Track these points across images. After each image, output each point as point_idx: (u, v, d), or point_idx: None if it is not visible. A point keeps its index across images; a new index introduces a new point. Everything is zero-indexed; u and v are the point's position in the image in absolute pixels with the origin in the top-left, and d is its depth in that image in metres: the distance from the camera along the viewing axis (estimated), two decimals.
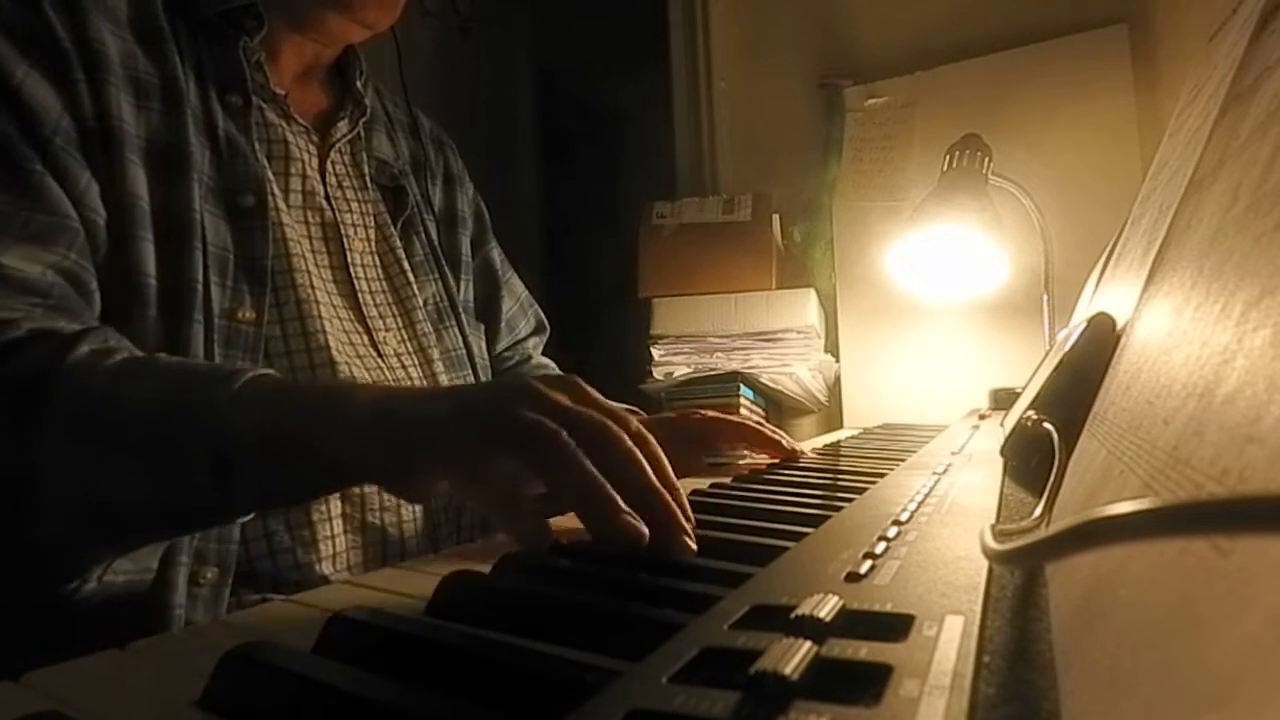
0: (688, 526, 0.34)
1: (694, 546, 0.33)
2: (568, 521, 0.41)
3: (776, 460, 0.67)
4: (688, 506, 0.35)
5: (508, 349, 0.94)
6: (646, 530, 0.32)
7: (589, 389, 0.39)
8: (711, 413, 0.70)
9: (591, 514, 0.33)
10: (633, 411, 0.79)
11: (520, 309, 0.96)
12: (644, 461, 0.35)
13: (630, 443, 0.36)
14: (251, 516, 0.48)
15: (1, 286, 0.46)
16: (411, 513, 0.66)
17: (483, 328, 0.87)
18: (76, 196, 0.51)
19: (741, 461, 0.73)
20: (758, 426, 0.68)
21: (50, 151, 0.50)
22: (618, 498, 0.33)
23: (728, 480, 0.56)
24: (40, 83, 0.51)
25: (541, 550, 0.33)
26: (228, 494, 0.40)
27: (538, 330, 0.99)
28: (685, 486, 0.52)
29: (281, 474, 0.41)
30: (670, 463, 0.37)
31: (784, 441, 0.68)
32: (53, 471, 0.41)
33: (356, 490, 0.62)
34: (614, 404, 0.39)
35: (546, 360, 0.97)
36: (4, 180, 0.48)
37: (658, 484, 0.35)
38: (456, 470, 0.36)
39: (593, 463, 0.34)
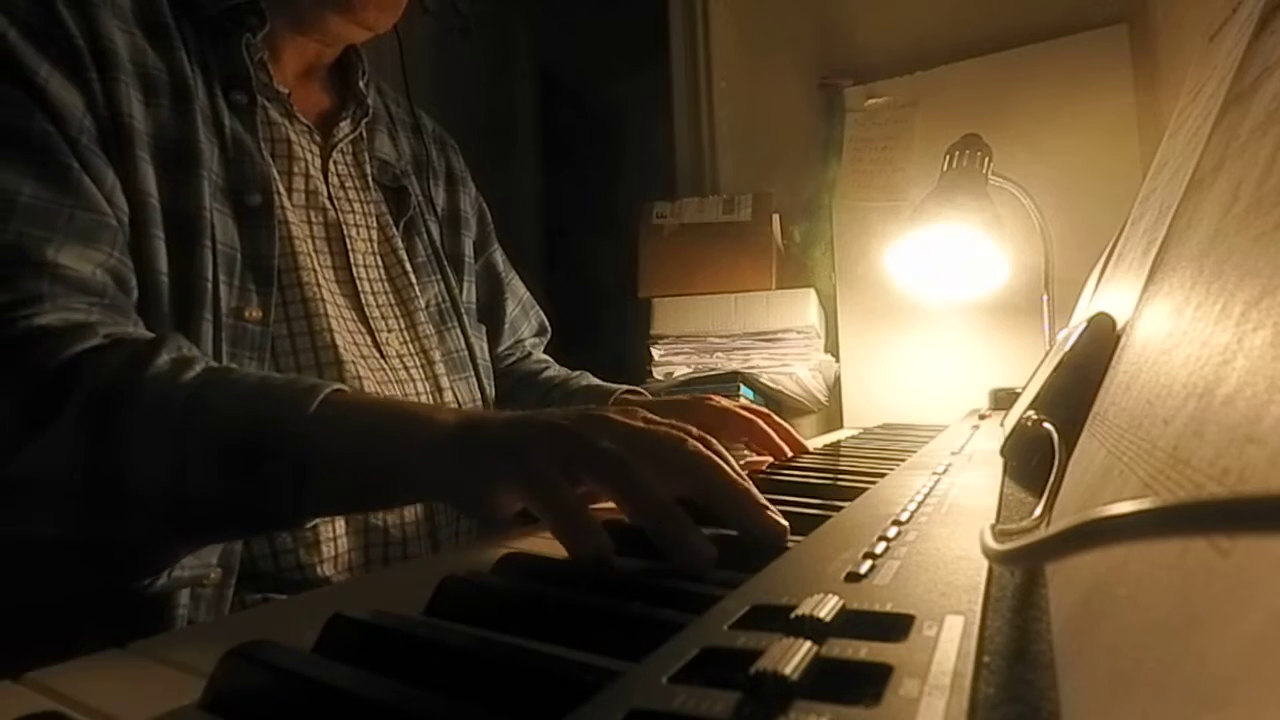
0: (770, 508, 0.36)
1: (784, 522, 0.36)
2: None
3: (775, 461, 0.67)
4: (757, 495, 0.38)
5: (509, 348, 0.94)
6: (715, 552, 0.33)
7: (650, 414, 0.42)
8: (725, 402, 0.70)
9: (663, 538, 0.34)
10: (636, 391, 0.80)
11: (523, 311, 0.96)
12: (714, 459, 0.38)
13: (698, 446, 0.38)
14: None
15: (62, 286, 0.46)
16: (414, 514, 0.66)
17: (484, 329, 0.87)
18: (106, 194, 0.51)
19: (741, 462, 0.73)
20: (765, 429, 0.67)
21: (79, 150, 0.50)
22: (688, 522, 0.34)
23: None
24: (61, 81, 0.51)
25: (605, 563, 0.34)
26: (304, 505, 0.42)
27: (540, 332, 0.99)
28: None
29: (358, 488, 0.43)
30: None
31: (787, 448, 0.67)
32: (138, 477, 0.42)
33: None
34: (673, 422, 0.41)
35: (545, 357, 0.97)
36: (47, 176, 0.48)
37: (732, 475, 0.37)
38: (534, 493, 0.37)
39: (663, 473, 0.36)
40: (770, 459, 0.68)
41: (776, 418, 0.70)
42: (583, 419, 0.40)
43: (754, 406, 0.71)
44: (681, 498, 0.36)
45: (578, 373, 0.91)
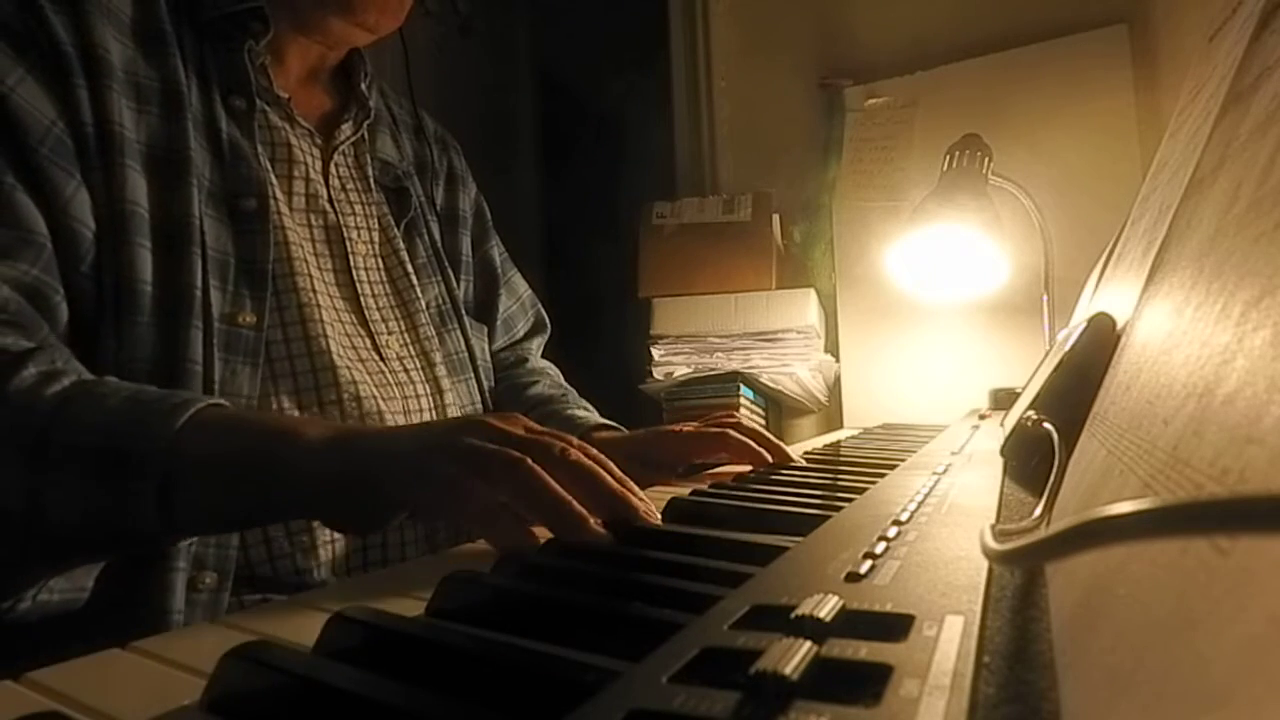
0: (645, 506, 0.39)
1: (656, 514, 0.40)
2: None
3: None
4: (638, 491, 0.41)
5: (505, 349, 0.92)
6: (609, 535, 0.36)
7: (528, 420, 0.43)
8: (689, 427, 0.68)
9: (564, 529, 0.36)
10: (610, 427, 0.79)
11: (521, 308, 0.94)
12: (597, 469, 0.39)
13: (581, 455, 0.40)
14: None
15: None
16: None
17: (485, 329, 0.87)
18: (60, 206, 0.50)
19: (723, 469, 0.71)
20: (741, 440, 0.64)
21: (35, 162, 0.49)
22: (584, 511, 0.36)
23: (728, 480, 0.56)
24: (34, 88, 0.50)
25: (526, 554, 0.35)
26: (171, 519, 0.41)
27: (537, 329, 0.97)
28: (684, 488, 0.52)
29: (228, 504, 0.42)
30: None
31: (768, 455, 0.64)
32: None
33: None
34: (552, 430, 0.42)
35: (546, 363, 0.95)
36: None
37: (614, 484, 0.39)
38: (427, 495, 0.38)
39: (555, 479, 0.37)
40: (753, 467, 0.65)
41: (744, 420, 0.68)
42: (463, 425, 0.41)
43: (721, 422, 0.68)
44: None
45: (563, 394, 0.87)
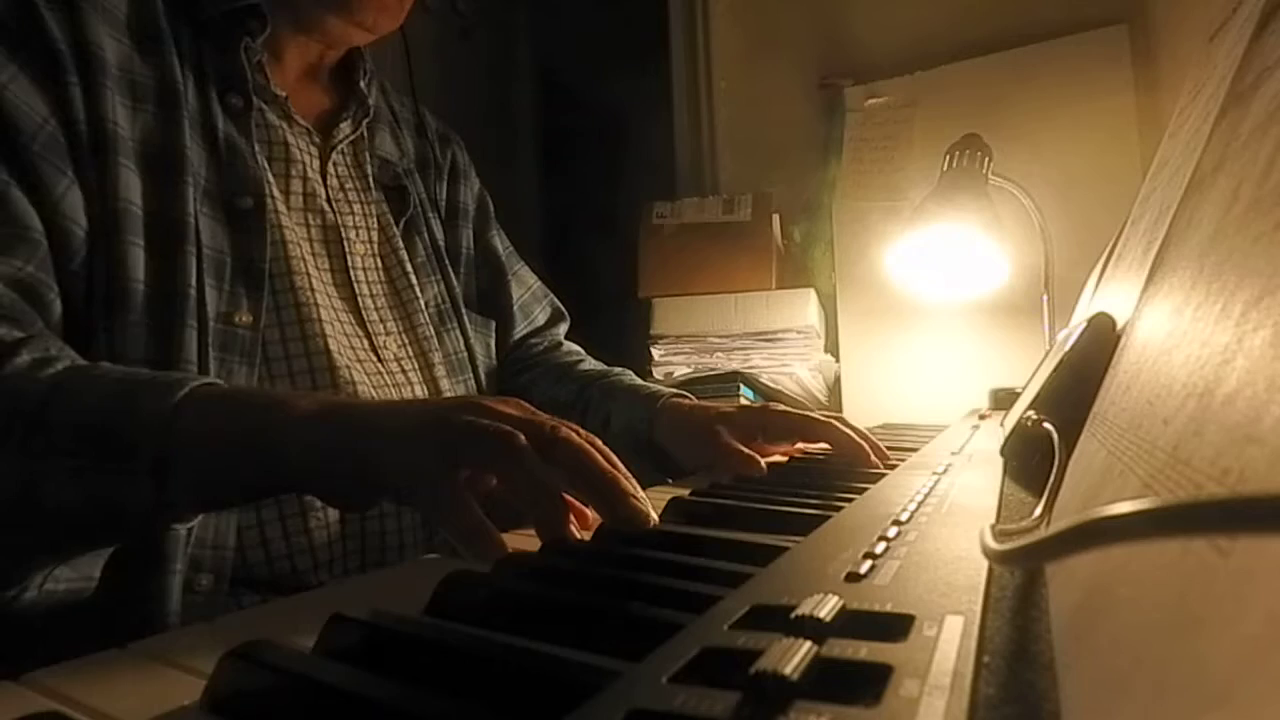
0: (639, 496, 0.39)
1: (650, 513, 0.38)
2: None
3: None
4: (634, 482, 0.40)
5: (533, 336, 0.91)
6: (580, 533, 0.37)
7: (521, 402, 0.42)
8: (798, 411, 0.67)
9: (545, 520, 0.36)
10: (684, 395, 0.76)
11: (534, 297, 0.92)
12: (591, 452, 0.39)
13: (576, 438, 0.40)
14: (198, 519, 0.48)
15: None
16: (412, 519, 0.66)
17: (493, 324, 0.85)
18: (52, 204, 0.50)
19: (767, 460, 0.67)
20: (846, 433, 0.63)
21: (26, 159, 0.49)
22: (564, 504, 0.37)
23: (727, 481, 0.56)
24: (27, 86, 0.50)
25: (491, 560, 0.34)
26: (166, 497, 0.40)
27: (557, 318, 0.95)
28: (683, 489, 0.52)
29: (221, 478, 0.42)
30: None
31: (871, 455, 0.62)
32: None
33: None
34: (552, 417, 0.42)
35: (578, 349, 0.93)
36: None
37: (606, 468, 0.39)
38: (412, 485, 0.38)
39: (545, 459, 0.38)
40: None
41: (851, 424, 0.67)
42: (463, 406, 0.40)
43: (833, 415, 0.67)
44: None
45: (617, 369, 0.85)
